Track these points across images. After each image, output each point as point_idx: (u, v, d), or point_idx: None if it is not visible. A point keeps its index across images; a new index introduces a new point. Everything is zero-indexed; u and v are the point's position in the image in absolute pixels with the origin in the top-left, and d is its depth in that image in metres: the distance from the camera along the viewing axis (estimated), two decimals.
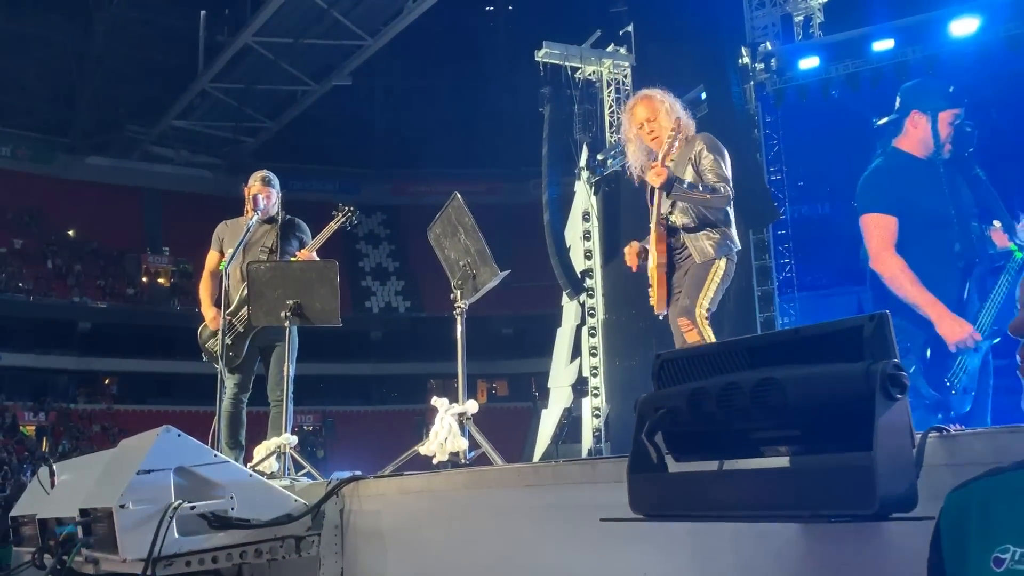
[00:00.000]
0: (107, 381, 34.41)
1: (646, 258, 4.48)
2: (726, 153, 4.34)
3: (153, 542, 2.78)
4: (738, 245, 4.33)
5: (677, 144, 4.27)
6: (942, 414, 11.47)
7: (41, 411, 31.41)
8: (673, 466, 1.71)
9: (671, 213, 4.32)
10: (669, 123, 4.30)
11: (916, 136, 12.58)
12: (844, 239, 13.10)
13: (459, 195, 4.33)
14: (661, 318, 4.49)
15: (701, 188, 4.16)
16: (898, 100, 12.70)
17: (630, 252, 4.50)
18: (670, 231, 4.33)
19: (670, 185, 4.13)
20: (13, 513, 4.29)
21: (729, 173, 4.27)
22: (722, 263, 4.21)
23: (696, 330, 4.09)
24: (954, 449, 1.54)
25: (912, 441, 1.44)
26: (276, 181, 5.77)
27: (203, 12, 31.17)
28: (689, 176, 4.23)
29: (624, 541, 2.03)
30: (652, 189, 4.48)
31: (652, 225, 4.39)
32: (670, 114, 4.34)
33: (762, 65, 13.86)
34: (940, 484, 1.41)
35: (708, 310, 4.13)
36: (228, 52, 30.10)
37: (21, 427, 30.56)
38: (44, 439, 30.64)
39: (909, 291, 12.31)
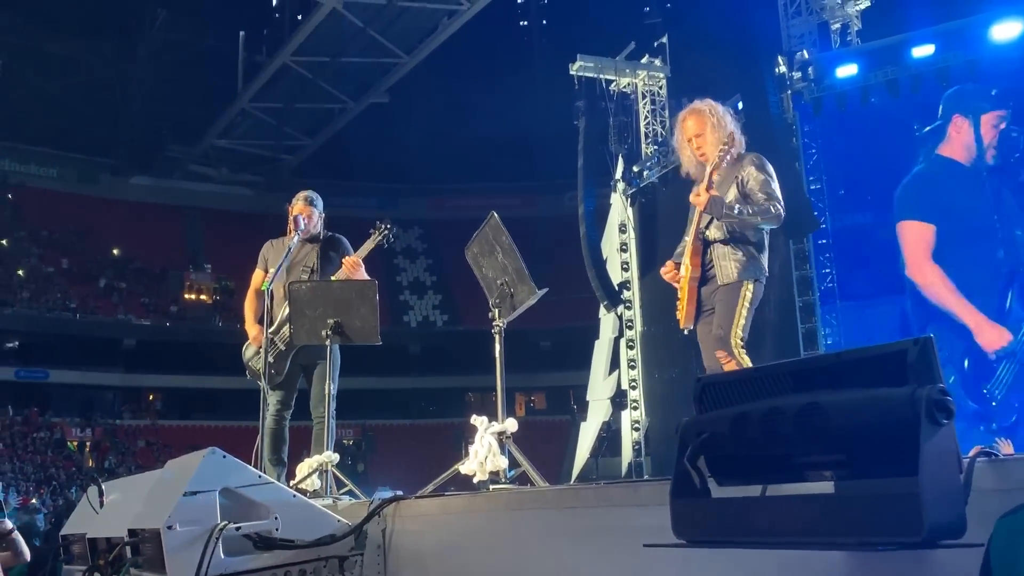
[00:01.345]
0: (151, 397, 34.96)
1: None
2: (774, 173, 4.29)
3: (200, 563, 2.82)
4: (766, 272, 4.26)
5: (728, 158, 4.21)
6: (983, 426, 11.22)
7: (88, 427, 31.98)
8: (716, 491, 1.70)
9: (707, 228, 4.29)
10: (716, 138, 4.26)
11: (959, 141, 12.37)
12: (886, 248, 12.91)
13: (496, 214, 4.34)
14: (687, 333, 4.46)
15: (750, 210, 4.11)
16: (941, 107, 12.51)
17: (670, 273, 4.45)
18: (704, 245, 4.30)
19: (719, 209, 4.08)
20: (64, 531, 4.38)
21: (779, 193, 4.23)
22: (750, 286, 4.16)
23: (735, 361, 4.05)
24: (1003, 474, 1.52)
25: (960, 466, 1.42)
26: (319, 201, 5.84)
27: (242, 33, 31.76)
28: (731, 195, 4.18)
29: (667, 566, 2.02)
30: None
31: (688, 238, 4.37)
32: (717, 129, 4.29)
33: (799, 74, 13.75)
34: (989, 510, 1.39)
35: (743, 338, 4.09)
36: (267, 72, 30.61)
37: (68, 443, 31.15)
38: (91, 455, 31.20)
39: (947, 299, 12.08)
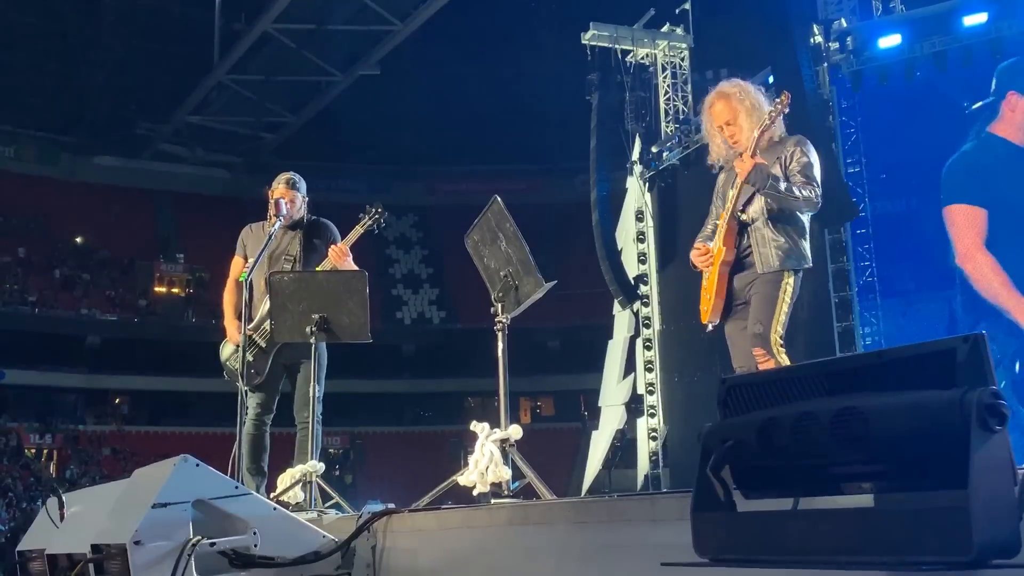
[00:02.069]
0: (117, 400, 35.05)
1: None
2: (817, 159, 4.32)
3: None
4: (809, 261, 4.28)
5: (768, 136, 4.22)
6: None
7: (47, 433, 32.08)
8: (742, 504, 1.70)
9: (744, 207, 4.29)
10: (751, 124, 4.27)
11: (1014, 120, 12.36)
12: (932, 238, 12.90)
13: (499, 198, 4.35)
14: (711, 328, 4.44)
15: (794, 190, 4.13)
16: (994, 81, 12.49)
17: (704, 257, 4.42)
18: (740, 227, 4.30)
19: (764, 179, 4.08)
20: (21, 547, 4.40)
21: (820, 178, 4.24)
22: (790, 278, 4.17)
23: (773, 360, 4.05)
24: None
25: (1014, 478, 1.42)
26: (302, 184, 5.84)
27: None
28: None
29: None
30: (723, 183, 4.48)
31: (720, 222, 4.37)
32: (752, 113, 4.30)
33: (837, 44, 13.72)
34: None
35: (783, 336, 4.09)
36: (246, 41, 30.57)
37: (26, 450, 31.27)
38: (50, 464, 31.30)
39: (999, 293, 12.08)
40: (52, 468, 30.96)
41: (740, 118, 4.31)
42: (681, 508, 1.83)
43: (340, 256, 5.58)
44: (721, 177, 4.57)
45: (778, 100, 4.23)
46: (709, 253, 4.36)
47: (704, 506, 1.70)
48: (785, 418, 1.59)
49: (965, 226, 12.57)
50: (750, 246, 4.25)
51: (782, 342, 4.10)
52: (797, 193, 4.13)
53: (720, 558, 1.68)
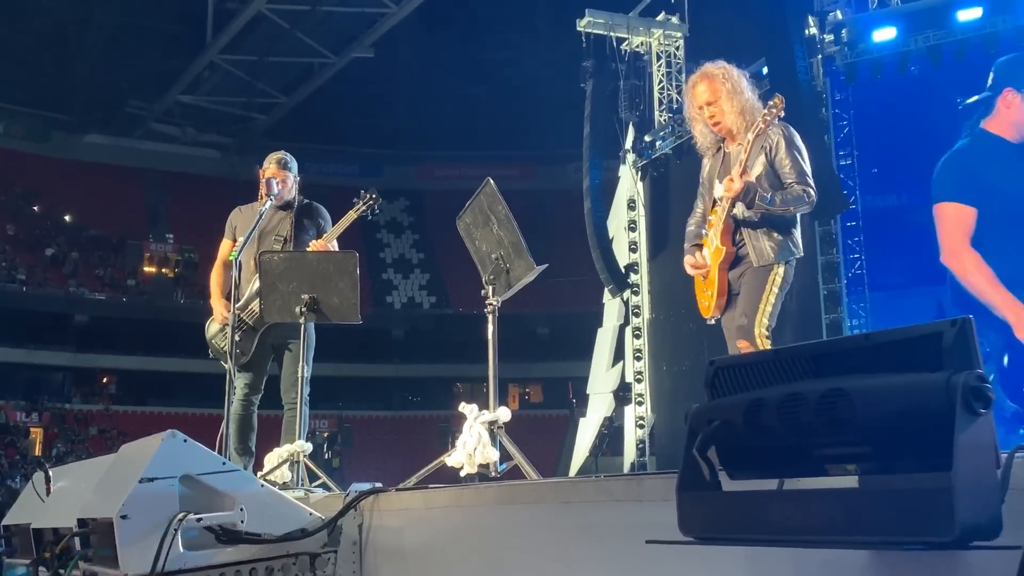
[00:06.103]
0: (105, 380, 34.97)
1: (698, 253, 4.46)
2: (804, 148, 4.30)
3: (156, 557, 2.83)
4: (800, 251, 4.29)
5: (751, 138, 4.21)
6: None
7: (34, 411, 32.00)
8: (728, 484, 1.71)
9: (734, 206, 4.29)
10: (733, 106, 4.26)
11: (1008, 117, 12.37)
12: (922, 233, 12.93)
13: (492, 181, 4.35)
14: (712, 323, 4.46)
15: (780, 200, 4.13)
16: (991, 76, 12.49)
17: (702, 268, 4.43)
18: (736, 224, 4.30)
19: (752, 200, 4.09)
20: (6, 521, 4.40)
21: (810, 171, 4.24)
22: (781, 269, 4.18)
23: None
24: None
25: (997, 461, 1.43)
26: (294, 164, 5.84)
27: None
28: (759, 169, 4.20)
29: (672, 566, 2.03)
30: (708, 171, 4.47)
31: (714, 217, 4.36)
32: (734, 95, 4.28)
33: (831, 36, 13.72)
34: None
35: (769, 327, 4.10)
36: (239, 21, 30.42)
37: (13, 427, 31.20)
38: (37, 442, 31.23)
39: (984, 290, 12.14)
40: (38, 446, 30.89)
41: (721, 99, 4.30)
42: (667, 488, 1.84)
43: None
44: (706, 163, 4.57)
45: (771, 103, 4.17)
46: (705, 267, 4.39)
47: (690, 486, 1.71)
48: (772, 399, 1.59)
49: (953, 224, 12.62)
50: (743, 240, 4.27)
51: (767, 333, 4.11)
52: (789, 205, 4.14)
53: (705, 536, 1.69)
